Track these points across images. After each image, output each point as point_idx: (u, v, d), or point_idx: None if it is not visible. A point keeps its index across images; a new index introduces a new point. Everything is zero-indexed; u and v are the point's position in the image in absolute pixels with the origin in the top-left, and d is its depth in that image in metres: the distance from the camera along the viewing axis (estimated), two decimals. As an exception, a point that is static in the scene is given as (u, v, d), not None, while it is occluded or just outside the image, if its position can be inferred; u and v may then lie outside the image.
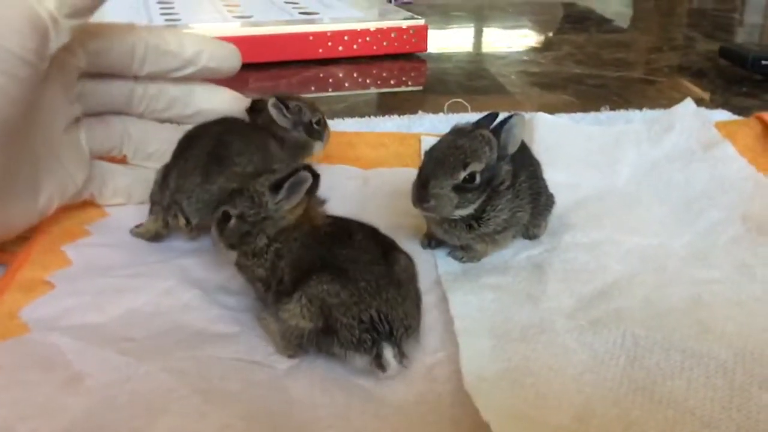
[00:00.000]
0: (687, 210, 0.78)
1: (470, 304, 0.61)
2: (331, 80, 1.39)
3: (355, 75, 1.42)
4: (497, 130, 0.65)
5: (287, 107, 0.79)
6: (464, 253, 0.69)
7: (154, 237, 0.71)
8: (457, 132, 0.66)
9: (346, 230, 0.57)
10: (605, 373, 0.53)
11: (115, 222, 0.74)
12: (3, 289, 0.60)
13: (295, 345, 0.54)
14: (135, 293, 0.61)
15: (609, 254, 0.69)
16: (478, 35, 1.84)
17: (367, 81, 1.39)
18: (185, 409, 0.49)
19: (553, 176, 0.77)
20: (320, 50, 1.45)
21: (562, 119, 1.00)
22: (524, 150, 0.70)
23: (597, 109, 1.11)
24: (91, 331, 0.56)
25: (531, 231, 0.73)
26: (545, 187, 0.73)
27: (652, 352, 0.54)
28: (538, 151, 0.85)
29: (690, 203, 0.79)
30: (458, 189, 0.62)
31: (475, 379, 0.51)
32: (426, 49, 1.53)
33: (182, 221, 0.68)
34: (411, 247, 0.71)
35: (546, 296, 0.62)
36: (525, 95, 1.30)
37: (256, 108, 0.81)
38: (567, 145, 0.91)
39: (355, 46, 1.47)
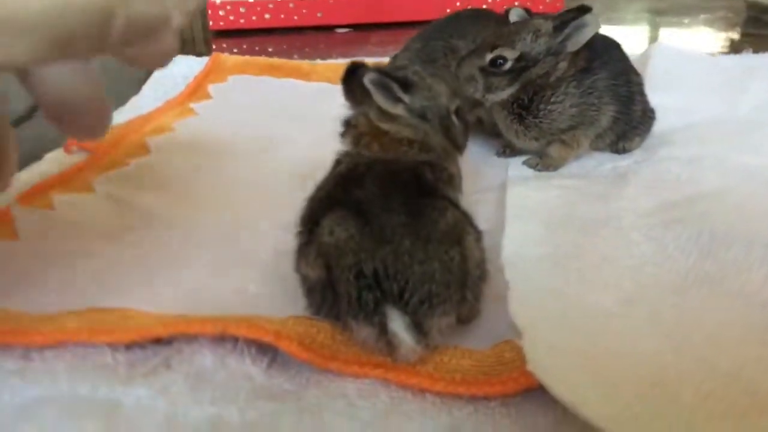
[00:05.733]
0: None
1: (530, 198, 0.56)
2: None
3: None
4: (565, 25, 0.60)
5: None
6: (539, 159, 0.64)
7: None
8: (517, 20, 0.64)
9: (370, 172, 0.44)
10: (670, 266, 0.46)
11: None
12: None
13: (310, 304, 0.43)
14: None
15: (708, 168, 0.61)
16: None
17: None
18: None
19: (661, 100, 0.70)
20: (448, 10, 1.43)
21: (688, 49, 0.90)
22: (613, 50, 0.64)
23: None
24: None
25: (621, 144, 0.66)
26: (642, 97, 0.66)
27: (730, 247, 0.46)
28: (651, 76, 0.78)
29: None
30: (484, 71, 0.60)
31: (512, 256, 0.46)
32: (562, 7, 1.46)
33: None
34: (486, 156, 0.68)
35: (621, 197, 0.56)
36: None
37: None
38: (685, 72, 0.82)
39: (484, 6, 1.43)
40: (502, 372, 0.37)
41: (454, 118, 0.52)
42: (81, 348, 0.40)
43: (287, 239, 0.53)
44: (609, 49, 0.63)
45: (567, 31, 0.59)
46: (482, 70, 0.60)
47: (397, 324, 0.37)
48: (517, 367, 0.36)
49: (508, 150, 0.67)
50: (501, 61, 0.59)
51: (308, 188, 0.47)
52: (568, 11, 0.61)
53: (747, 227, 0.49)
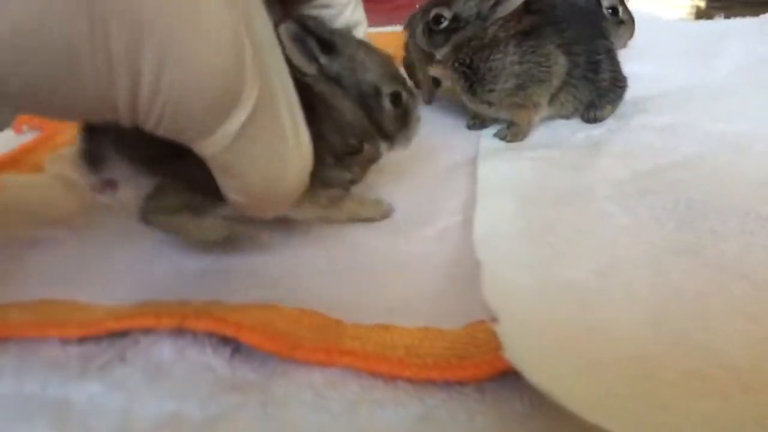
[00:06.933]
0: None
1: (501, 170, 0.54)
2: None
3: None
4: None
5: None
6: (508, 131, 0.63)
7: None
8: None
9: None
10: (645, 237, 0.44)
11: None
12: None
13: None
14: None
15: (681, 136, 0.59)
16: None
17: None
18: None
19: (634, 68, 0.68)
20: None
21: (661, 16, 0.88)
22: (576, 18, 0.63)
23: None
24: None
25: (592, 113, 0.64)
26: (610, 65, 0.65)
27: (707, 216, 0.45)
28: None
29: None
30: (428, 27, 0.62)
31: (485, 234, 0.44)
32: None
33: None
34: (457, 129, 0.66)
35: (595, 168, 0.54)
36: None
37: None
38: (658, 40, 0.80)
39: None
40: (475, 355, 0.35)
41: (385, 102, 0.48)
42: (28, 342, 0.37)
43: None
44: (572, 17, 0.63)
45: None
46: (427, 24, 0.62)
47: None
48: (492, 349, 0.35)
49: (477, 121, 0.66)
50: (442, 18, 0.61)
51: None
52: None
53: (723, 196, 0.48)
